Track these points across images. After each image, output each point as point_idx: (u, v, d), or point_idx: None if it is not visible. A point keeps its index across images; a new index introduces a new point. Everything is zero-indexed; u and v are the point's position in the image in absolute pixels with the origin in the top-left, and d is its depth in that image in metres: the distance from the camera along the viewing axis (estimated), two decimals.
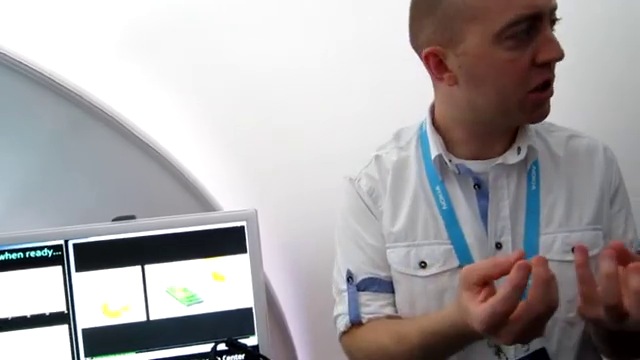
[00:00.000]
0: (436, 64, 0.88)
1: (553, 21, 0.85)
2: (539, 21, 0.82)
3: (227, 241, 1.18)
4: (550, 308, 0.71)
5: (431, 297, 0.92)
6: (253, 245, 1.18)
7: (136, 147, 1.35)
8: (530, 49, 0.82)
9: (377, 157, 1.00)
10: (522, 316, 0.71)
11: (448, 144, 0.94)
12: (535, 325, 0.72)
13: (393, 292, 0.97)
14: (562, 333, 0.91)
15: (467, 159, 0.94)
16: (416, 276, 0.93)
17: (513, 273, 0.70)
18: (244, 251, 1.18)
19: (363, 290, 0.96)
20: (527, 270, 0.70)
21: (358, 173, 1.00)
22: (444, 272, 0.92)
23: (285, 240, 1.48)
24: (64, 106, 1.30)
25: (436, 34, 0.86)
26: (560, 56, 0.83)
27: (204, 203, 1.40)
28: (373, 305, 0.96)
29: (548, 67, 0.84)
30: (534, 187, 0.93)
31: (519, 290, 0.70)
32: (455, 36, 0.84)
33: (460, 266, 0.91)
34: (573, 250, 0.90)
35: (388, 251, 0.96)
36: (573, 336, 0.92)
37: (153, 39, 1.41)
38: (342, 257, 1.00)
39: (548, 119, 0.90)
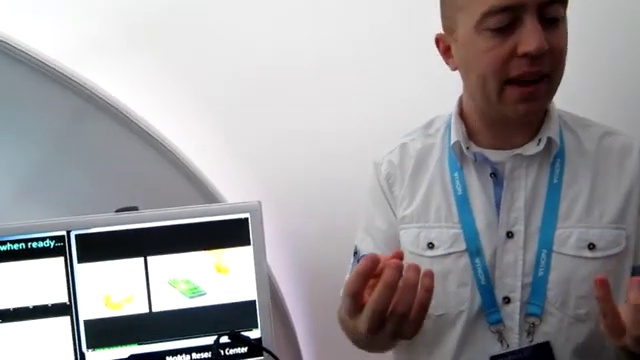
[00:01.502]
0: (444, 49, 0.94)
1: (553, 19, 0.84)
2: (522, 12, 0.82)
3: (230, 233, 1.17)
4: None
5: (436, 278, 0.92)
6: (257, 237, 1.17)
7: (139, 138, 1.34)
8: (511, 40, 0.83)
9: (403, 145, 1.03)
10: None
11: (470, 133, 0.96)
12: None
13: None
14: (570, 329, 0.90)
15: (487, 148, 0.94)
16: (423, 256, 0.95)
17: (385, 271, 0.70)
18: (247, 243, 1.17)
19: None
20: (399, 270, 0.70)
21: (382, 158, 1.03)
22: (450, 254, 0.93)
23: (288, 232, 1.47)
24: (67, 97, 1.30)
25: (444, 22, 0.93)
26: (539, 48, 0.81)
27: (208, 195, 1.39)
28: None
29: (531, 59, 0.83)
30: (556, 180, 0.92)
31: (390, 287, 0.70)
32: (451, 24, 0.90)
33: (467, 250, 0.92)
34: (589, 246, 0.89)
35: (401, 232, 0.99)
36: (582, 334, 0.90)
37: (158, 29, 1.40)
38: (357, 235, 1.05)
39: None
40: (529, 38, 0.82)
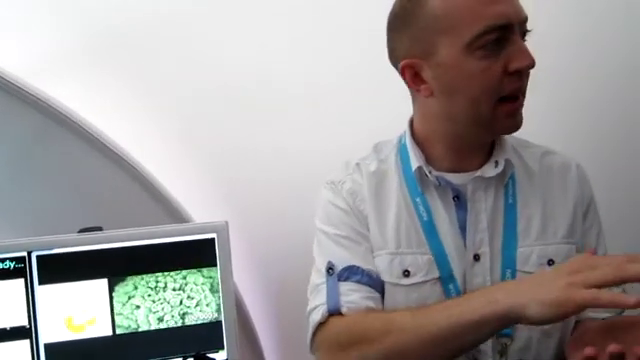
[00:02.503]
0: (412, 76, 0.91)
1: (524, 33, 0.88)
2: (509, 32, 0.85)
3: (197, 253, 1.16)
4: None
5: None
6: (223, 257, 1.16)
7: (104, 156, 1.32)
8: (501, 58, 0.86)
9: (358, 165, 1.00)
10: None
11: (427, 157, 0.96)
12: None
13: (375, 289, 0.93)
14: (539, 344, 0.92)
15: (446, 172, 0.95)
16: (399, 284, 0.92)
17: None
18: (214, 264, 1.16)
19: (344, 280, 0.92)
20: None
21: (344, 176, 0.99)
22: (426, 282, 0.92)
23: (256, 252, 1.47)
24: (29, 113, 1.27)
25: (412, 47, 0.90)
26: (531, 64, 0.86)
27: (175, 215, 1.38)
28: (354, 295, 0.90)
29: (520, 76, 0.87)
30: (511, 200, 0.94)
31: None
32: (429, 48, 0.88)
33: (440, 277, 0.91)
34: (549, 262, 0.92)
35: (375, 260, 0.94)
36: (550, 347, 0.93)
37: (124, 45, 1.39)
38: (321, 257, 0.96)
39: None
40: (520, 55, 0.85)
